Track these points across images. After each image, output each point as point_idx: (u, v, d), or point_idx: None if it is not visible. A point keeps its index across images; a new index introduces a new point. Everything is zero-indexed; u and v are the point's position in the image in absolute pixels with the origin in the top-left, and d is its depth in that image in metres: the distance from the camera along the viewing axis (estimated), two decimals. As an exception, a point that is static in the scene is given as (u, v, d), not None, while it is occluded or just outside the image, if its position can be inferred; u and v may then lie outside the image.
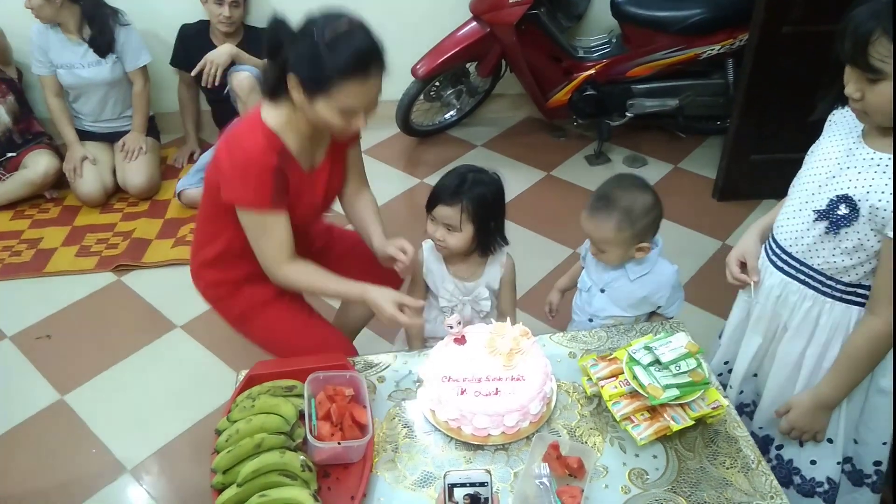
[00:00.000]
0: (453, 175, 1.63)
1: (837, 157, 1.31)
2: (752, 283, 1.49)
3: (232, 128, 1.57)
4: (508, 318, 1.48)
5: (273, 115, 1.53)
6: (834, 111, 1.37)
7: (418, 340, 1.78)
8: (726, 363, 1.67)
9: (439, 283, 1.74)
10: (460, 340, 1.45)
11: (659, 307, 1.68)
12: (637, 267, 1.62)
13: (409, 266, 1.66)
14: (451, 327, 1.45)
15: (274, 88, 1.50)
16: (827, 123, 1.39)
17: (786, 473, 1.54)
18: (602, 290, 1.68)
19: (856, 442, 1.52)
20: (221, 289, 1.76)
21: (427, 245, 1.76)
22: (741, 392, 1.63)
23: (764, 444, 1.59)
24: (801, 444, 1.50)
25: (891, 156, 1.21)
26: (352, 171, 1.80)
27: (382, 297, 1.53)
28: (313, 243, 1.84)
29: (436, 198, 1.62)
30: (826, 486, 1.51)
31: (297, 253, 1.61)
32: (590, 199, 1.59)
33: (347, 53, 1.38)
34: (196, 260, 1.77)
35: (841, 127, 1.34)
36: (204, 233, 1.73)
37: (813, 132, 1.42)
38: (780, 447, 1.57)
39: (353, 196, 1.83)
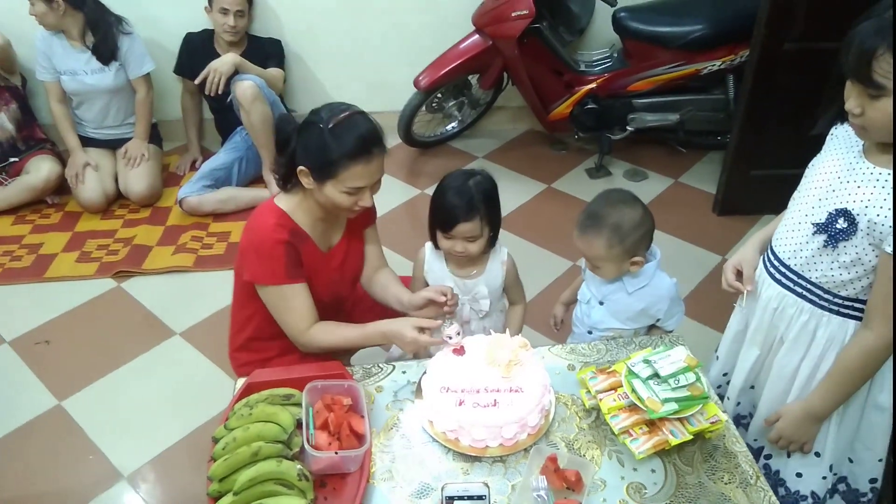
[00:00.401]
0: (458, 192, 1.62)
1: (838, 171, 1.31)
2: (745, 291, 1.49)
3: (250, 217, 1.67)
4: (509, 330, 1.48)
5: (285, 200, 1.63)
6: (836, 125, 1.37)
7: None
8: (725, 375, 1.67)
9: (440, 281, 1.74)
10: (459, 351, 1.45)
11: (658, 320, 1.68)
12: (634, 280, 1.62)
13: (454, 305, 1.66)
14: (451, 338, 1.45)
15: (286, 180, 1.60)
16: (829, 137, 1.39)
17: (772, 484, 1.53)
18: (601, 303, 1.68)
19: (851, 461, 1.51)
20: (251, 367, 1.82)
21: (429, 244, 1.77)
22: (738, 404, 1.63)
23: (758, 455, 1.59)
24: (789, 455, 1.50)
25: (890, 171, 1.22)
26: (370, 251, 1.85)
27: (400, 326, 1.56)
28: (342, 307, 1.87)
29: (452, 219, 1.61)
30: (810, 501, 1.51)
31: (332, 319, 1.67)
32: (579, 217, 1.59)
33: (351, 138, 1.49)
34: (232, 345, 1.85)
35: (843, 141, 1.34)
36: (237, 320, 1.81)
37: (813, 148, 1.43)
38: (768, 457, 1.56)
39: (372, 273, 1.86)
